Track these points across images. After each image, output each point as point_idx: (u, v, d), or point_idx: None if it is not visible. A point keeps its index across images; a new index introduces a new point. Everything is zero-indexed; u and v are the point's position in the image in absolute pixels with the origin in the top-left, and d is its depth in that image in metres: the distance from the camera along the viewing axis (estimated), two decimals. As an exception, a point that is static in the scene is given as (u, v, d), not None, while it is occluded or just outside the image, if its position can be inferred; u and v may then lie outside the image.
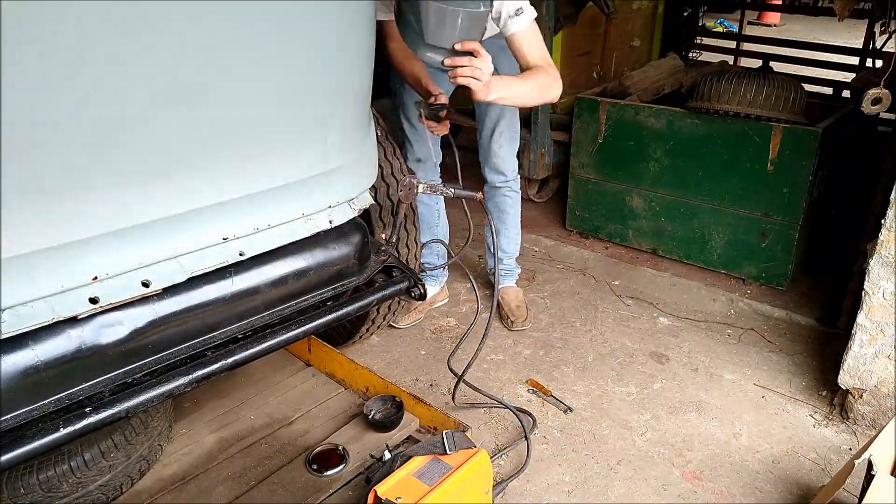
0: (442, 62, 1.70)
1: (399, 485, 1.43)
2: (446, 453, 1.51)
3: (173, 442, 1.87)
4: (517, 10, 1.87)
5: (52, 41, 1.02)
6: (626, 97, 3.07)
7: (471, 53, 1.67)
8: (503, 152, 2.47)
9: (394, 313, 2.29)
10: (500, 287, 2.69)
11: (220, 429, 1.94)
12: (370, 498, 1.41)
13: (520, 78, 1.90)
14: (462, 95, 2.03)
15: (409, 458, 1.51)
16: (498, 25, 1.91)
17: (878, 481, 1.45)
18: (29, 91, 1.03)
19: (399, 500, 1.38)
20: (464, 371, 2.06)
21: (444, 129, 2.09)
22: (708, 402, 2.15)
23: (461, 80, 1.69)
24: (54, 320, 1.17)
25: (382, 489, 1.41)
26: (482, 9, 1.66)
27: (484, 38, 2.22)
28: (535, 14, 1.91)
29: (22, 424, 1.19)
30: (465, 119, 3.45)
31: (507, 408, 2.06)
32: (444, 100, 2.09)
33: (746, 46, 4.98)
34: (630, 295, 2.79)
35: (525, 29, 1.89)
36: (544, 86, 1.89)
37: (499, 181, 2.53)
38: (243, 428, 1.95)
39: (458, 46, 1.67)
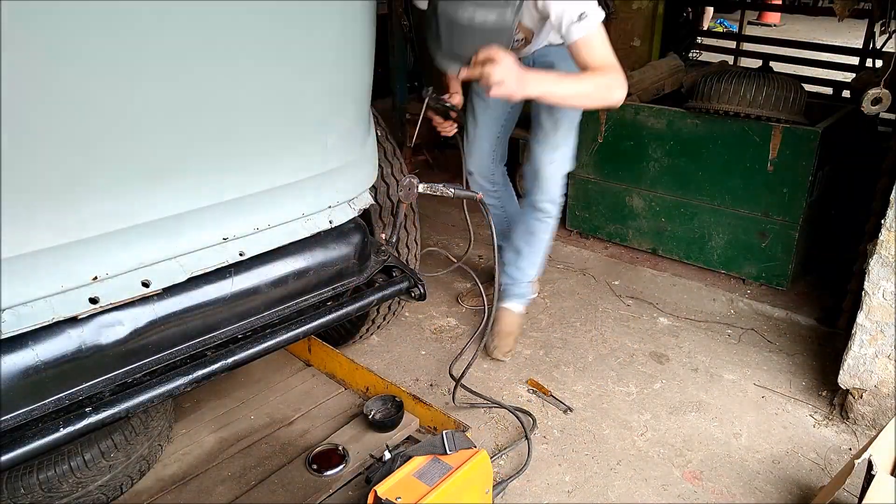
0: (458, 74, 1.63)
1: (399, 485, 1.43)
2: (446, 453, 1.51)
3: (173, 442, 1.87)
4: (580, 14, 1.68)
5: (52, 42, 1.02)
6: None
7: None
8: (551, 171, 2.18)
9: (394, 313, 2.29)
10: (499, 305, 2.39)
11: (220, 429, 1.94)
12: (370, 498, 1.41)
13: (565, 76, 1.75)
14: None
15: (409, 458, 1.51)
16: (560, 33, 1.75)
17: (878, 481, 1.45)
18: (30, 92, 1.03)
19: (399, 500, 1.38)
20: (461, 375, 2.07)
21: (449, 129, 2.04)
22: (708, 402, 2.15)
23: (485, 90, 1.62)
24: (54, 320, 1.17)
25: (382, 489, 1.41)
26: (506, 18, 1.52)
27: (542, 47, 2.09)
28: (601, 16, 1.73)
29: (22, 424, 1.19)
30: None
31: (506, 408, 2.06)
32: (456, 101, 2.06)
33: (746, 46, 4.97)
34: (630, 295, 2.79)
35: (589, 35, 1.70)
36: (601, 86, 1.71)
37: (539, 201, 2.24)
38: (243, 428, 1.95)
39: (474, 59, 1.58)
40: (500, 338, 2.35)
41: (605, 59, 1.73)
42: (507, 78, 1.57)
